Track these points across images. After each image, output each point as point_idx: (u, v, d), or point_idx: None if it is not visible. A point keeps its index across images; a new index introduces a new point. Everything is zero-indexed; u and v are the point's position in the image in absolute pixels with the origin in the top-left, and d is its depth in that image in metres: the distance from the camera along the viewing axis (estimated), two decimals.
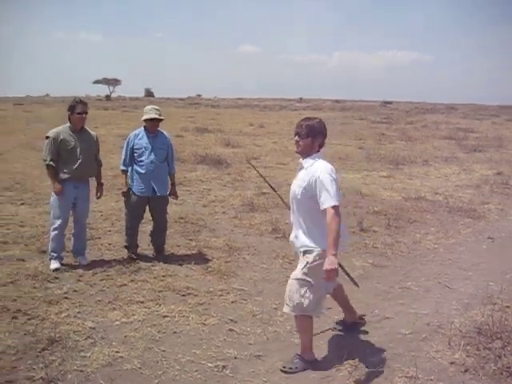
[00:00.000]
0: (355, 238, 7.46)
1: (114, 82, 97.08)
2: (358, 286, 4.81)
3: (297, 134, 3.97)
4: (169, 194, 6.38)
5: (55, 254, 5.94)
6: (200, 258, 6.42)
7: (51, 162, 5.84)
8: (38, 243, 6.71)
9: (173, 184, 6.43)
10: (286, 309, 4.07)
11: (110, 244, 6.85)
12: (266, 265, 6.28)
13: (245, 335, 4.55)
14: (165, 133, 6.36)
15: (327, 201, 3.70)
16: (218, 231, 7.61)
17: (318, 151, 3.98)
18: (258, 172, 5.93)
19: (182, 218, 8.05)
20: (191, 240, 7.12)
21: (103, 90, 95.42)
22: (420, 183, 12.29)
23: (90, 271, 5.85)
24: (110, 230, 7.49)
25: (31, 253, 6.38)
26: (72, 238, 6.21)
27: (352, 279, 4.73)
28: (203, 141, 19.27)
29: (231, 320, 4.79)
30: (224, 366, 4.03)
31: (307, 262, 3.89)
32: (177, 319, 4.78)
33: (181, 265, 6.17)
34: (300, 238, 4.00)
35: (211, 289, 5.51)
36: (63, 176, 5.85)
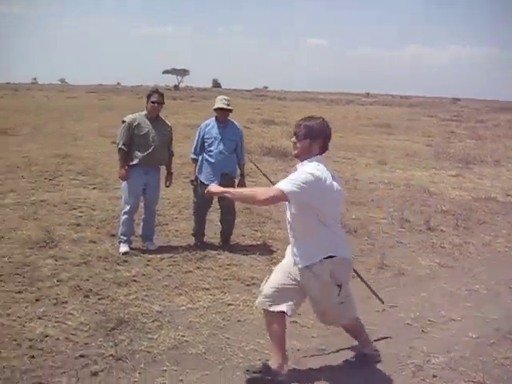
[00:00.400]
0: (422, 237, 7.35)
1: (183, 73, 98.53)
2: (382, 302, 4.70)
3: (294, 134, 3.57)
4: (237, 185, 6.45)
5: (125, 238, 6.12)
6: (265, 249, 6.47)
7: (123, 146, 6.02)
8: (108, 227, 6.95)
9: (242, 175, 6.49)
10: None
11: (176, 231, 7.01)
12: None
13: (308, 328, 4.55)
14: (236, 124, 6.43)
15: (279, 183, 3.38)
16: (283, 223, 7.55)
17: (320, 154, 3.54)
18: (257, 165, 5.67)
19: (247, 209, 8.11)
20: (256, 231, 7.19)
21: (172, 80, 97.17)
22: (490, 184, 11.92)
23: (158, 256, 6.01)
24: (177, 217, 7.66)
25: (102, 236, 6.62)
26: (141, 224, 6.39)
27: (376, 294, 4.63)
28: (269, 133, 19.32)
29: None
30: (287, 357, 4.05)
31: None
32: (241, 308, 4.85)
33: (246, 255, 6.24)
34: (301, 252, 3.57)
35: None
36: (134, 161, 6.03)
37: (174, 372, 3.77)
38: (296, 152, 3.56)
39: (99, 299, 4.84)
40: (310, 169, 3.40)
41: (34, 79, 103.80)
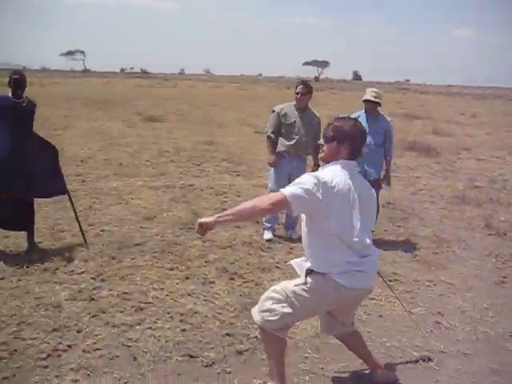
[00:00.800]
0: None
1: (323, 64, 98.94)
2: (420, 329, 4.33)
3: (323, 135, 3.24)
4: (381, 179, 6.34)
5: (269, 225, 6.29)
6: (407, 246, 6.32)
7: (271, 134, 6.24)
8: None
9: (387, 169, 6.37)
10: (254, 317, 3.41)
11: None
12: (478, 261, 5.97)
13: (453, 330, 4.39)
14: (386, 117, 6.34)
15: (286, 187, 2.98)
16: (427, 220, 7.39)
17: (348, 160, 3.13)
18: None
19: (389, 204, 7.98)
20: (399, 226, 7.04)
21: (312, 72, 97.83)
22: None
23: (300, 245, 6.03)
24: None
25: (246, 222, 6.82)
26: (285, 212, 6.51)
27: (404, 306, 4.28)
28: (412, 127, 18.76)
29: (438, 312, 4.66)
30: (430, 358, 3.93)
31: (304, 284, 3.19)
32: (383, 303, 4.79)
33: (388, 250, 6.12)
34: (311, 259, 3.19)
35: (419, 278, 5.40)
36: (280, 148, 6.23)
37: (315, 359, 3.84)
38: (322, 155, 3.26)
39: (244, 282, 5.03)
40: (323, 172, 3.07)
41: (182, 70, 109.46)
